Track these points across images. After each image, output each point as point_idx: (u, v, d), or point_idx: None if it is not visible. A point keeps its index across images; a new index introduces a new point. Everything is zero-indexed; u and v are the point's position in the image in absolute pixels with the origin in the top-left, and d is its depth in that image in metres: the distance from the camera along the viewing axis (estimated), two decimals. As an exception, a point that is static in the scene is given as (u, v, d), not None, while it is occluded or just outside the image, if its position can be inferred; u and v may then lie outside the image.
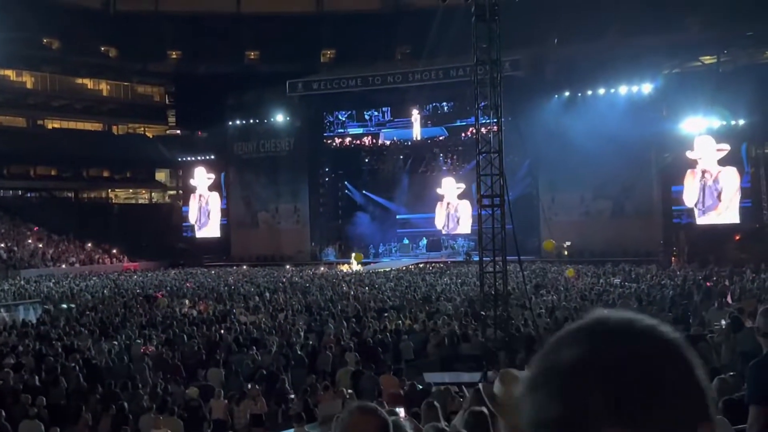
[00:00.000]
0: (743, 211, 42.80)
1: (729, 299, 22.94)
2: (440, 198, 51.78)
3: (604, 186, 45.80)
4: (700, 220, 43.39)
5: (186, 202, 60.75)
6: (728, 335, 13.40)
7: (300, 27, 63.57)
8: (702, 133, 42.98)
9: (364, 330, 19.89)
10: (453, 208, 51.35)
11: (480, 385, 4.12)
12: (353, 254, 47.58)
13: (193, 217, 59.38)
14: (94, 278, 42.68)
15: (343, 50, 64.17)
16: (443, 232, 52.11)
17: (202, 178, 58.71)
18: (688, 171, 43.41)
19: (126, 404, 13.11)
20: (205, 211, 58.81)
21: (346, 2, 65.65)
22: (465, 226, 50.10)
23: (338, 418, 8.03)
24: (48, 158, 62.69)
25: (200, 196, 58.86)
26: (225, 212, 58.50)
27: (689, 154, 42.96)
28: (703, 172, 42.86)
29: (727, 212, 42.73)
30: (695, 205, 43.51)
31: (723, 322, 15.63)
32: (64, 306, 28.94)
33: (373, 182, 55.20)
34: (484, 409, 4.12)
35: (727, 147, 42.08)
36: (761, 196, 43.37)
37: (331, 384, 14.34)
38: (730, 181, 42.52)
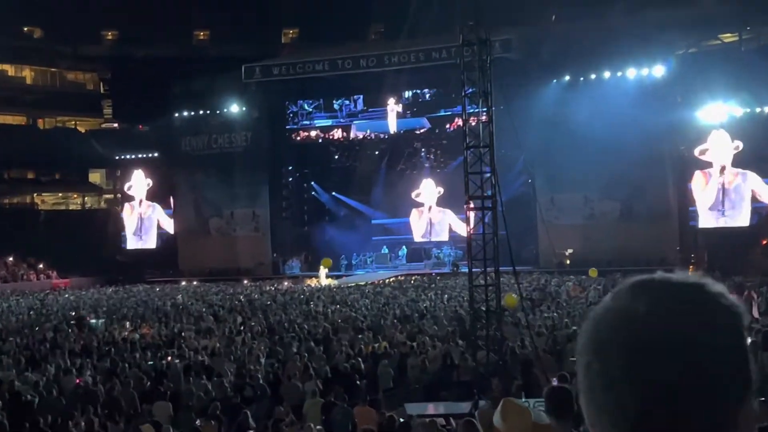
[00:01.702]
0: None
1: (756, 313, 23.14)
2: (417, 203, 51.83)
3: (612, 184, 46.03)
4: (719, 223, 43.75)
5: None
6: (755, 354, 13.43)
7: (258, 2, 63.46)
8: (723, 123, 43.32)
9: (335, 355, 19.86)
10: (434, 214, 51.49)
11: (476, 413, 4.14)
12: (322, 261, 47.52)
13: (130, 228, 58.90)
14: (17, 298, 42.26)
15: (307, 29, 64.23)
16: (416, 239, 52.19)
17: (140, 182, 58.33)
18: (697, 172, 43.77)
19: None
20: (147, 221, 58.41)
21: (311, -27, 65.74)
22: (446, 233, 50.30)
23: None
24: (-39, 158, 62.15)
25: (140, 201, 58.47)
26: (170, 219, 58.15)
27: (698, 151, 43.26)
28: (722, 168, 43.17)
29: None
30: (710, 209, 43.91)
31: (749, 339, 15.69)
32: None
33: (344, 182, 55.16)
34: None
35: (740, 144, 42.39)
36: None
37: (298, 418, 14.29)
38: (756, 179, 42.95)
